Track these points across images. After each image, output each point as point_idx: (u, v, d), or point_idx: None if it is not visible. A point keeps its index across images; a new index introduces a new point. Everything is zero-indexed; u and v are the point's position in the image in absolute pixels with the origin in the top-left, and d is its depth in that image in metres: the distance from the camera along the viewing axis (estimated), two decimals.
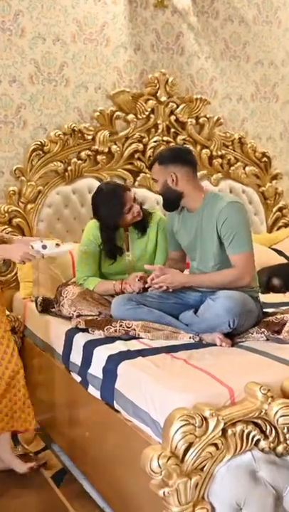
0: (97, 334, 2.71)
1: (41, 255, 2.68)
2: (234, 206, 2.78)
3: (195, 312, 2.74)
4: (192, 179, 2.85)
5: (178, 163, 2.83)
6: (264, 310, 2.89)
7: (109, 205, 3.07)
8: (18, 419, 2.69)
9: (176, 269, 2.94)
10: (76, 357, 2.73)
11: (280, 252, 4.29)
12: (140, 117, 4.15)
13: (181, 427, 1.81)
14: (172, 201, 2.89)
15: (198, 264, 2.90)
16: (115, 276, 3.19)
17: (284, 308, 3.00)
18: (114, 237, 3.14)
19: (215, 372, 2.17)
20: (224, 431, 1.87)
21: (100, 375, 2.48)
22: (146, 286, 2.87)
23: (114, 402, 2.37)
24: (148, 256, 3.22)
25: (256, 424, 1.94)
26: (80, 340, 2.74)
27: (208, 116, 4.42)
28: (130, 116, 4.11)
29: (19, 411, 2.69)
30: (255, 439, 1.92)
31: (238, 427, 1.90)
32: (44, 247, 2.61)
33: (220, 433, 1.86)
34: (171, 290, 2.81)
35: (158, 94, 4.19)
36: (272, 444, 1.95)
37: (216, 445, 1.86)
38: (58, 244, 2.74)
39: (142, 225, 3.21)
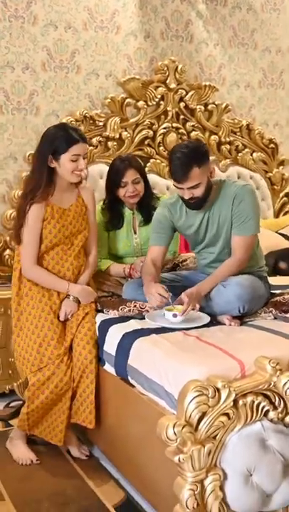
0: (112, 314, 2.79)
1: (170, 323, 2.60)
2: (248, 189, 2.81)
3: (205, 296, 2.76)
4: None
5: (208, 158, 2.73)
6: (271, 292, 2.95)
7: (111, 170, 3.28)
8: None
9: (151, 279, 2.77)
10: None
11: (286, 237, 4.36)
12: (150, 104, 4.21)
13: (195, 397, 1.90)
14: (207, 198, 2.76)
15: (219, 253, 2.87)
16: (125, 259, 3.29)
17: None
18: (115, 208, 3.28)
19: (226, 347, 2.26)
20: (235, 402, 1.97)
21: (115, 352, 2.57)
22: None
23: (129, 377, 2.46)
24: None
25: (266, 396, 2.04)
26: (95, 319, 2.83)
27: (216, 103, 4.48)
28: (140, 103, 4.16)
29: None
30: (264, 410, 2.02)
31: (249, 398, 1.99)
32: (175, 315, 2.58)
33: (231, 403, 1.95)
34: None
35: (167, 82, 4.24)
36: (280, 415, 2.06)
37: (227, 415, 1.95)
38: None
39: (145, 210, 3.29)
